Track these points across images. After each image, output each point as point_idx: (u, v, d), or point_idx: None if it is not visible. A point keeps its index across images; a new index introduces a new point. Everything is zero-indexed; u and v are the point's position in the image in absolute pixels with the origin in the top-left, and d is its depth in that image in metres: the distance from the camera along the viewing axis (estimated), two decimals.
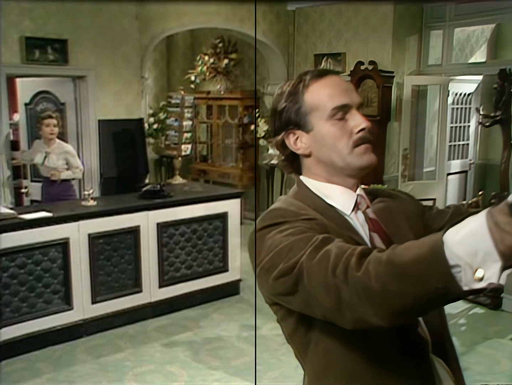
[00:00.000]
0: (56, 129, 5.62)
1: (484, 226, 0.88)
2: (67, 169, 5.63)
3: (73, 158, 5.68)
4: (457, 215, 1.43)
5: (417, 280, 0.95)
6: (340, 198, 1.36)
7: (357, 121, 1.31)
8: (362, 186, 1.42)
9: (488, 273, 0.87)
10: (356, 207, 1.36)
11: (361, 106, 1.35)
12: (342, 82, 1.36)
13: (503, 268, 0.87)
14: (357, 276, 1.02)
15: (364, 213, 1.36)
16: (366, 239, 1.32)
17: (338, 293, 1.05)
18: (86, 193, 5.02)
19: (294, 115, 1.35)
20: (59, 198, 5.51)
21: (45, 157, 5.58)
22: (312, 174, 1.39)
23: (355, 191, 1.37)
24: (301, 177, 1.41)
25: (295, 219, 1.24)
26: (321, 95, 1.32)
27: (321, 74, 1.35)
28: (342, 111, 1.31)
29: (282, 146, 1.40)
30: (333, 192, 1.36)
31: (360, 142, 1.31)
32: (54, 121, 5.59)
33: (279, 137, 1.39)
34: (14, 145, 6.67)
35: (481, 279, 0.88)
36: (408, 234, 1.37)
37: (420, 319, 1.31)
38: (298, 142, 1.36)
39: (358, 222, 1.34)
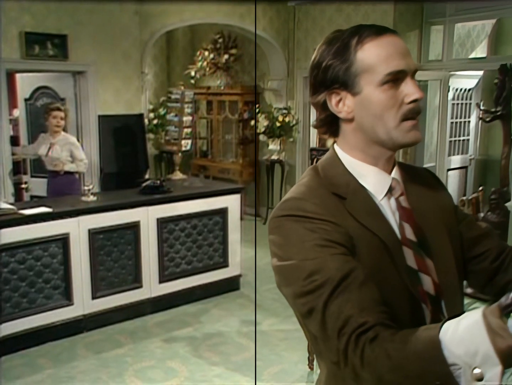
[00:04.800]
0: (62, 122, 5.61)
1: (481, 326, 0.87)
2: (72, 162, 5.61)
3: (78, 151, 5.64)
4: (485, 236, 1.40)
5: (414, 375, 0.94)
6: (374, 180, 1.25)
7: (411, 90, 1.18)
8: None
9: (488, 375, 0.86)
10: (389, 192, 1.26)
11: (415, 73, 1.21)
12: (401, 43, 1.20)
13: (503, 371, 0.86)
14: (354, 357, 1.01)
15: (396, 200, 1.26)
16: (396, 228, 1.23)
17: (337, 351, 1.05)
18: (86, 188, 5.01)
19: (343, 74, 1.20)
20: (64, 191, 5.47)
21: (49, 148, 5.57)
22: (348, 147, 1.27)
23: (390, 173, 1.27)
24: (336, 148, 1.30)
25: (316, 217, 1.15)
26: (377, 56, 1.17)
27: (379, 31, 1.19)
28: (396, 77, 1.17)
29: (322, 106, 1.26)
30: (367, 172, 1.25)
31: (410, 116, 1.19)
32: (62, 114, 5.57)
33: (321, 96, 1.24)
34: (14, 141, 6.66)
35: (480, 379, 0.87)
36: (442, 229, 1.30)
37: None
38: (340, 104, 1.23)
39: (390, 209, 1.25)
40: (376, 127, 1.20)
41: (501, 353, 0.85)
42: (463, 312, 1.30)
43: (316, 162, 1.35)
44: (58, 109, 5.59)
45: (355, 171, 1.25)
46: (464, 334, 0.89)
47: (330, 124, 1.28)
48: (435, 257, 1.25)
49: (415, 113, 1.20)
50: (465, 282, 1.41)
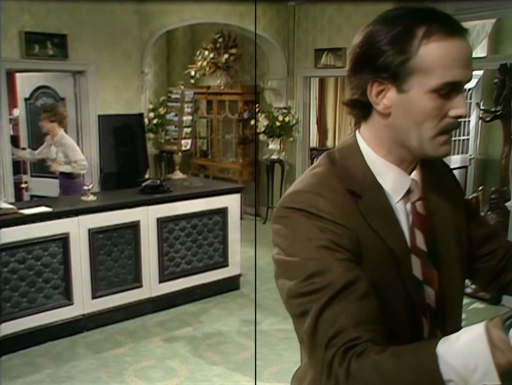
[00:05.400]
0: (48, 125, 5.57)
1: (483, 339, 0.84)
2: (68, 163, 5.57)
3: (71, 152, 5.57)
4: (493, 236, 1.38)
5: None
6: (392, 180, 1.16)
7: (459, 105, 1.08)
8: None
9: None
10: (406, 195, 1.18)
11: (466, 83, 1.10)
12: (468, 50, 1.08)
13: None
14: (339, 370, 0.96)
15: (413, 204, 1.18)
16: (407, 234, 1.16)
17: (322, 361, 1.00)
18: (86, 187, 5.01)
19: (396, 65, 1.06)
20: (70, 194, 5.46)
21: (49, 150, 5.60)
22: (373, 141, 1.17)
23: (409, 173, 1.19)
24: (359, 138, 1.20)
25: (327, 217, 1.08)
26: (441, 60, 1.04)
27: (451, 31, 1.06)
28: (451, 88, 1.07)
29: (358, 90, 1.14)
30: (388, 171, 1.16)
31: (448, 131, 1.10)
32: (48, 114, 5.55)
33: (361, 79, 1.12)
34: (14, 140, 6.67)
35: None
36: (452, 235, 1.23)
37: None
38: (380, 95, 1.11)
39: (404, 212, 1.17)
40: (411, 133, 1.11)
41: (500, 368, 0.83)
42: (460, 326, 1.24)
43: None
44: (45, 110, 5.58)
45: (375, 166, 1.17)
46: (464, 346, 0.85)
47: (363, 110, 1.17)
48: (442, 267, 1.20)
49: (454, 128, 1.12)
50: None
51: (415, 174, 1.20)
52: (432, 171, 1.28)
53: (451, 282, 1.21)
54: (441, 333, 1.18)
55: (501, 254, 1.35)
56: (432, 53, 1.05)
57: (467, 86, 7.02)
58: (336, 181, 1.14)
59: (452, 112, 1.08)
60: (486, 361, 0.83)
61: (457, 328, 1.18)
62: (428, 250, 1.18)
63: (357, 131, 1.21)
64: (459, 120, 1.11)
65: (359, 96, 1.15)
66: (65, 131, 5.74)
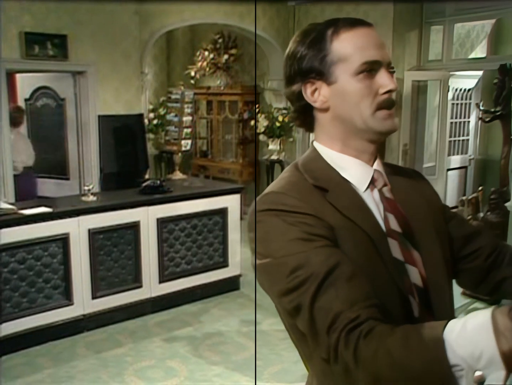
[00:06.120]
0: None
1: (489, 327, 0.85)
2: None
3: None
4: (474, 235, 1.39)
5: (414, 375, 0.90)
6: (356, 171, 1.24)
7: (385, 81, 1.19)
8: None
9: (491, 378, 0.85)
10: (372, 183, 1.24)
11: (389, 65, 1.22)
12: (376, 35, 1.21)
13: (508, 375, 0.84)
14: (346, 354, 0.97)
15: (380, 191, 1.24)
16: (380, 220, 1.21)
17: (328, 347, 1.01)
18: (86, 188, 5.02)
19: (318, 64, 1.20)
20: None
21: None
22: (327, 138, 1.26)
23: (372, 165, 1.26)
24: (316, 144, 1.29)
25: (296, 210, 1.13)
26: (352, 46, 1.18)
27: (354, 23, 1.21)
28: (372, 67, 1.18)
29: (297, 97, 1.25)
30: (348, 164, 1.24)
31: (384, 106, 1.20)
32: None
33: (296, 86, 1.24)
34: None
35: (482, 382, 0.85)
36: (429, 223, 1.28)
37: None
38: (315, 94, 1.22)
39: (373, 201, 1.23)
40: (353, 116, 1.20)
41: (505, 356, 0.83)
42: (452, 309, 1.27)
43: None
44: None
45: (336, 164, 1.24)
46: (470, 334, 0.86)
47: (305, 116, 1.27)
48: (422, 249, 1.23)
49: (389, 104, 1.20)
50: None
51: (377, 166, 1.26)
52: (401, 172, 1.36)
53: (433, 263, 1.23)
54: (431, 312, 1.20)
55: (486, 253, 1.36)
56: (343, 43, 1.19)
57: (467, 86, 7.01)
58: (302, 182, 1.21)
59: (381, 90, 1.19)
60: (491, 348, 0.84)
61: (448, 308, 1.24)
62: (403, 231, 1.21)
63: (314, 142, 1.30)
64: (391, 96, 1.21)
65: (298, 104, 1.26)
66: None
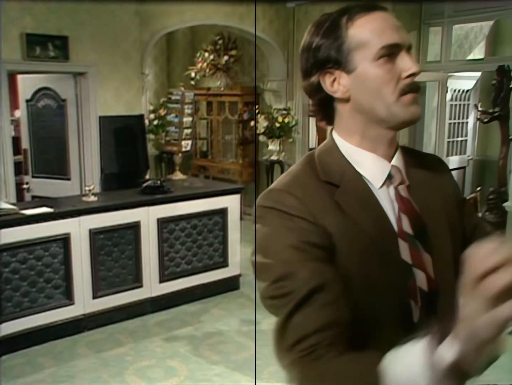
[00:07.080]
0: None
1: (422, 364, 0.85)
2: None
3: None
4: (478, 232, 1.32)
5: None
6: (372, 167, 1.18)
7: (407, 65, 1.13)
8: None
9: None
10: (388, 179, 1.18)
11: (410, 48, 1.16)
12: (392, 19, 1.16)
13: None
14: (296, 373, 1.04)
15: (396, 189, 1.18)
16: (393, 219, 1.16)
17: (283, 361, 1.07)
18: (87, 188, 5.05)
19: (335, 53, 1.15)
20: None
21: None
22: (345, 131, 1.21)
23: (390, 160, 1.20)
24: (334, 134, 1.23)
25: (294, 213, 1.10)
26: (369, 30, 1.13)
27: (369, 8, 1.16)
28: (391, 51, 1.12)
29: (315, 89, 1.20)
30: (364, 159, 1.19)
31: (408, 90, 1.13)
32: None
33: (313, 78, 1.19)
34: (15, 142, 6.69)
35: None
36: (443, 223, 1.22)
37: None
38: (335, 84, 1.17)
39: (388, 198, 1.17)
40: (374, 104, 1.15)
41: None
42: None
43: None
44: None
45: (352, 158, 1.19)
46: (404, 370, 0.87)
47: (325, 108, 1.23)
48: (434, 250, 1.18)
49: (414, 88, 1.15)
50: None
51: (396, 160, 1.21)
52: (421, 161, 1.29)
53: (444, 266, 1.19)
54: (435, 317, 1.17)
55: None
56: (359, 29, 1.13)
57: (465, 87, 7.03)
58: (309, 178, 1.18)
59: (404, 73, 1.13)
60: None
61: (453, 312, 1.20)
62: (415, 233, 1.17)
63: (333, 131, 1.25)
64: (415, 79, 1.15)
65: (318, 96, 1.21)
66: None
